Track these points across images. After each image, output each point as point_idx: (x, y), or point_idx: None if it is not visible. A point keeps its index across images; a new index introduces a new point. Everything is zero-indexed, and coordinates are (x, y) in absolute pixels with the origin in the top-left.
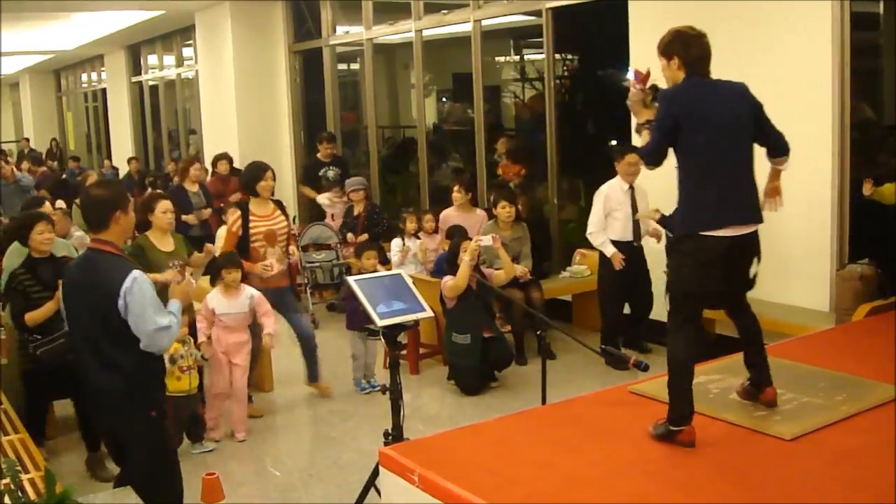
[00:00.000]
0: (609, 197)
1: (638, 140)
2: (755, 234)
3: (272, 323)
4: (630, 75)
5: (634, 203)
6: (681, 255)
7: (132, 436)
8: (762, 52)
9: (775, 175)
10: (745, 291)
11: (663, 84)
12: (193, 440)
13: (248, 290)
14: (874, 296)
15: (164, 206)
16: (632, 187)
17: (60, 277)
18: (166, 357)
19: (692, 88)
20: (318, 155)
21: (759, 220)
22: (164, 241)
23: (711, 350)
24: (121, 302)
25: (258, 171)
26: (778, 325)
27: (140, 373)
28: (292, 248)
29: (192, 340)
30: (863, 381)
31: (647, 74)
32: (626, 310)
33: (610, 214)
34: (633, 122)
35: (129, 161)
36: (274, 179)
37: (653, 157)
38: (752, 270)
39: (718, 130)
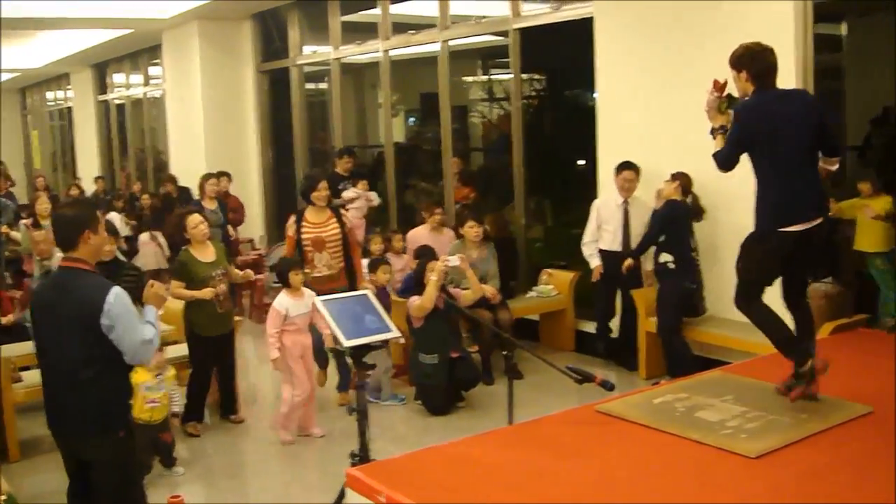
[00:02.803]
0: (601, 209)
1: (712, 144)
2: (820, 225)
3: None
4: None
5: (627, 217)
6: (757, 247)
7: (102, 457)
8: (725, 72)
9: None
10: (807, 282)
11: (735, 92)
12: (165, 466)
13: (308, 291)
14: (838, 314)
15: (194, 220)
16: (626, 202)
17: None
18: (143, 385)
19: (766, 101)
20: (338, 169)
21: (826, 212)
22: (204, 253)
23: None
24: (104, 319)
25: (313, 181)
26: (742, 343)
27: (113, 392)
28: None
29: (174, 371)
30: (827, 399)
31: (724, 84)
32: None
33: (601, 226)
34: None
35: (95, 180)
36: (327, 190)
37: (726, 164)
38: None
39: (790, 138)
